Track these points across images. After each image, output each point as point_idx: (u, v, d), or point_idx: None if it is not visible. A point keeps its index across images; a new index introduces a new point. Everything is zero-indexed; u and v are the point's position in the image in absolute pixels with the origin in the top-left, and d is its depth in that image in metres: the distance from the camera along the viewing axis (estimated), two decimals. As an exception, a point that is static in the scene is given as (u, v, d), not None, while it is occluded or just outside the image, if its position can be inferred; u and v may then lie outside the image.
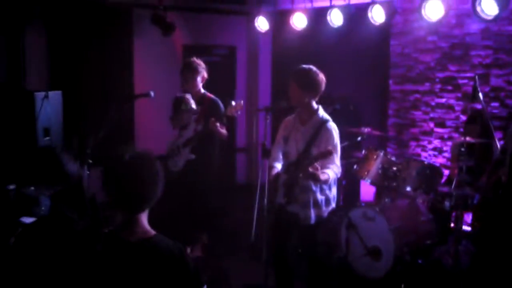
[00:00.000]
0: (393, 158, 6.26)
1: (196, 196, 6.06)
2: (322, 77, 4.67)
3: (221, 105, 6.06)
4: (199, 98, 6.12)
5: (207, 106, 6.07)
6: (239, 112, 5.76)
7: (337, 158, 4.64)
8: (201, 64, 6.14)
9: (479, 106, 5.86)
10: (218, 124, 5.70)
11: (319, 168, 4.31)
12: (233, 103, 5.69)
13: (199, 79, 6.11)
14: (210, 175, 6.22)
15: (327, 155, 4.34)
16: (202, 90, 6.18)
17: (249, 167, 9.81)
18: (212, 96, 6.17)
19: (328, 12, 6.97)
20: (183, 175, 6.05)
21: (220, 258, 6.38)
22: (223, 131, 5.84)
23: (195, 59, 6.19)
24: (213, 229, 6.66)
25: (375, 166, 6.11)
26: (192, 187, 6.03)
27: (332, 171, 4.54)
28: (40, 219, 3.45)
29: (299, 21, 7.48)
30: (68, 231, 3.03)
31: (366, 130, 6.81)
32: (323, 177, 4.39)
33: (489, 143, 5.89)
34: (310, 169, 4.27)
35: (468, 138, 5.69)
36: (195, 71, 6.09)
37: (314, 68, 4.68)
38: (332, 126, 4.67)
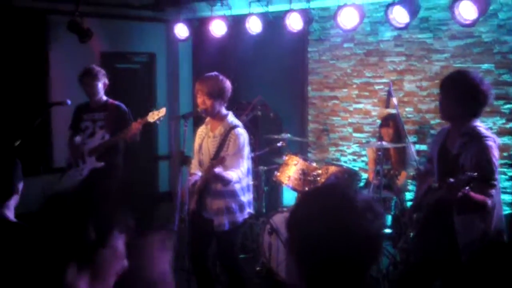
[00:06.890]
0: (313, 163, 6.35)
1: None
2: (228, 83, 4.74)
3: (126, 109, 6.00)
4: (102, 105, 6.02)
5: (112, 112, 5.98)
6: (161, 119, 5.71)
7: (242, 162, 4.67)
8: (101, 71, 6.03)
9: (393, 111, 6.03)
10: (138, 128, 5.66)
11: (221, 167, 4.40)
12: (155, 110, 5.65)
13: (100, 85, 5.99)
14: (115, 182, 6.08)
15: (222, 161, 4.42)
16: (105, 97, 6.07)
17: (172, 174, 9.72)
18: (115, 102, 6.07)
19: (247, 19, 7.01)
20: (87, 183, 5.90)
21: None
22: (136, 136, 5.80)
23: (94, 66, 6.08)
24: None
25: (295, 171, 6.16)
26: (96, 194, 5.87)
27: (236, 173, 4.58)
28: None
29: (218, 28, 7.47)
30: None
31: (286, 136, 6.88)
32: (227, 176, 4.47)
33: (403, 147, 6.09)
34: (215, 170, 4.35)
35: (384, 143, 5.85)
36: (95, 77, 5.96)
37: (220, 75, 4.73)
38: (240, 131, 4.70)
